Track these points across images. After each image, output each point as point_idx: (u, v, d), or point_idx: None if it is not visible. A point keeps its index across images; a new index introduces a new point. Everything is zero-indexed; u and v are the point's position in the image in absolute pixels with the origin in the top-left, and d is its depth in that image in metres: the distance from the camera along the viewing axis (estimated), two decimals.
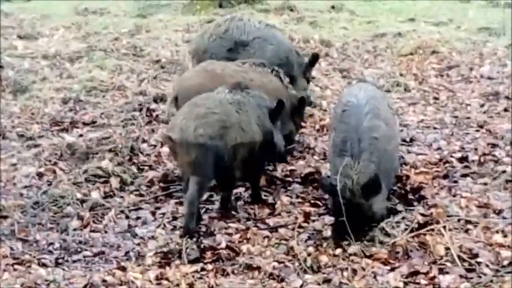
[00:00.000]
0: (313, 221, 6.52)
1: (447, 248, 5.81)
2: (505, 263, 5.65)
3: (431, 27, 13.27)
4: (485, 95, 9.74)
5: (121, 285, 5.54)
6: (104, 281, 5.58)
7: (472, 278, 5.53)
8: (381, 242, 5.96)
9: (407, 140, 8.19)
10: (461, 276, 5.55)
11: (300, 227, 6.39)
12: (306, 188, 7.16)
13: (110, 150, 7.71)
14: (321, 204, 6.78)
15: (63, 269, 5.80)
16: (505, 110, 9.17)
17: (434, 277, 5.54)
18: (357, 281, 5.51)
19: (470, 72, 10.71)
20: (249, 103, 6.69)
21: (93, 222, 6.57)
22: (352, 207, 5.91)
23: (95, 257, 6.04)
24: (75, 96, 9.48)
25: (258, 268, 5.72)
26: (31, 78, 10.09)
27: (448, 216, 6.30)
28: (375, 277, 5.57)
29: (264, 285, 5.50)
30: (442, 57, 11.29)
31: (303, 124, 8.33)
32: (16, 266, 5.77)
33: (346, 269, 5.65)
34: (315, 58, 8.65)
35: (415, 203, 6.68)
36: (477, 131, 8.50)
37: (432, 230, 6.01)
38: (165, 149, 7.90)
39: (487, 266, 5.64)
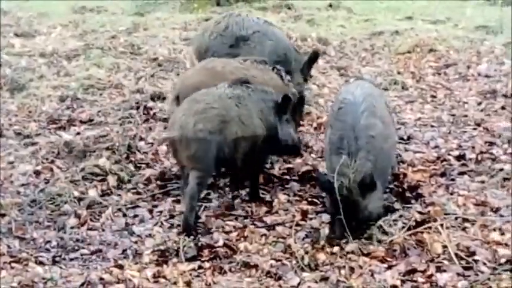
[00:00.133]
0: (311, 219, 6.53)
1: (444, 246, 5.82)
2: (502, 261, 5.66)
3: (429, 26, 13.26)
4: (482, 93, 9.73)
5: (118, 283, 5.54)
6: (101, 279, 5.58)
7: (469, 276, 5.54)
8: (379, 241, 5.96)
9: (405, 138, 8.19)
10: (458, 274, 5.56)
11: (297, 225, 6.40)
12: (303, 186, 7.16)
13: (107, 148, 7.71)
14: (318, 202, 6.79)
15: (61, 267, 5.81)
16: (503, 108, 9.17)
17: (431, 275, 5.54)
18: (354, 279, 5.52)
19: (467, 71, 10.71)
20: (250, 97, 6.71)
21: (91, 220, 6.57)
22: (349, 204, 5.91)
23: (92, 255, 6.05)
24: (72, 94, 9.47)
25: (256, 266, 5.73)
26: (28, 76, 10.08)
27: (446, 214, 6.31)
28: (372, 275, 5.58)
29: (261, 283, 5.50)
30: (440, 56, 11.29)
31: (300, 122, 8.32)
32: (13, 264, 5.78)
33: (344, 267, 5.66)
34: (315, 56, 8.63)
35: (413, 201, 6.68)
36: (474, 129, 8.51)
37: (429, 228, 6.03)
38: (163, 147, 7.92)
39: (484, 264, 5.65)
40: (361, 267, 5.67)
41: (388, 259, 5.79)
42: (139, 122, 8.60)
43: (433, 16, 14.19)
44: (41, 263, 5.84)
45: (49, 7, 14.86)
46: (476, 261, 5.68)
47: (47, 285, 5.53)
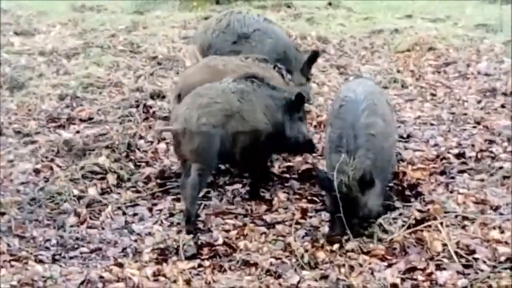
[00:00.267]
0: (310, 217, 6.54)
1: (444, 244, 5.83)
2: (502, 259, 5.67)
3: (429, 24, 13.25)
4: (482, 92, 9.73)
5: (118, 281, 5.54)
6: (101, 277, 5.58)
7: (469, 274, 5.54)
8: (379, 239, 5.96)
9: (405, 136, 8.18)
10: (458, 272, 5.56)
11: (297, 223, 6.40)
12: (303, 184, 7.16)
13: (106, 147, 7.71)
14: (318, 201, 6.79)
15: (60, 266, 5.81)
16: (502, 106, 9.17)
17: (431, 273, 5.55)
18: (354, 277, 5.52)
19: (467, 69, 10.70)
20: (255, 92, 6.73)
21: (90, 218, 6.57)
22: (348, 202, 5.91)
23: (92, 254, 6.05)
24: (71, 93, 9.45)
25: (255, 264, 5.73)
26: (28, 74, 10.07)
27: (445, 212, 6.32)
28: (372, 273, 5.58)
29: (261, 282, 5.50)
30: (439, 54, 11.28)
31: None
32: (13, 263, 5.78)
33: (344, 265, 5.66)
34: (314, 55, 8.64)
35: (412, 200, 6.68)
36: (474, 127, 8.50)
37: (429, 226, 6.03)
38: (162, 146, 7.92)
39: (484, 262, 5.65)
40: (361, 265, 5.67)
41: (388, 257, 5.79)
42: (139, 120, 8.59)
43: (433, 14, 14.19)
44: (41, 262, 5.84)
45: (48, 5, 14.85)
46: (476, 259, 5.69)
47: (47, 283, 5.53)
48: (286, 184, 7.18)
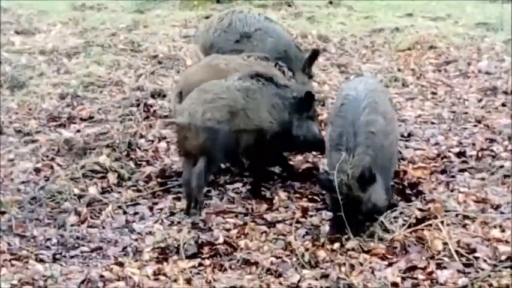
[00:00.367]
0: (311, 216, 6.53)
1: (445, 243, 5.82)
2: (503, 258, 5.66)
3: (429, 22, 13.25)
4: (483, 90, 9.73)
5: (118, 280, 5.54)
6: (102, 276, 5.58)
7: (469, 273, 5.53)
8: (380, 238, 5.95)
9: (405, 135, 8.18)
10: (459, 271, 5.56)
11: (297, 222, 6.40)
12: (303, 183, 7.15)
13: (107, 146, 7.71)
14: (318, 200, 6.79)
15: (61, 265, 5.80)
16: (503, 105, 9.17)
17: (432, 272, 5.54)
18: (355, 276, 5.51)
19: (468, 67, 10.70)
20: (261, 91, 6.76)
21: (91, 217, 6.57)
22: (350, 201, 5.91)
23: (93, 253, 6.04)
24: (72, 92, 9.46)
25: (256, 263, 5.72)
26: (28, 73, 10.07)
27: (446, 211, 6.31)
28: (372, 272, 5.57)
29: (262, 281, 5.49)
30: (440, 53, 11.28)
31: None
32: (14, 262, 5.77)
33: (344, 264, 5.65)
34: (314, 54, 8.64)
35: (413, 198, 6.68)
36: (475, 126, 8.50)
37: (430, 225, 6.02)
38: (163, 145, 7.92)
39: (485, 261, 5.64)
40: (361, 264, 5.66)
41: (389, 256, 5.79)
42: (140, 119, 8.59)
43: (434, 13, 14.19)
44: (41, 261, 5.84)
45: (49, 5, 14.84)
46: (476, 258, 5.68)
47: (47, 282, 5.52)
48: (286, 183, 7.18)
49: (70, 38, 12.03)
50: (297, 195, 6.94)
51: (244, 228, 6.31)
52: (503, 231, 6.05)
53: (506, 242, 5.88)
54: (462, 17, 13.87)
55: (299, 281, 5.49)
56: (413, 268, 5.60)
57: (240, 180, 7.22)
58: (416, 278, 5.50)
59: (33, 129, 8.41)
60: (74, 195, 6.84)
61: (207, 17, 12.68)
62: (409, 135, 8.22)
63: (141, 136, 8.11)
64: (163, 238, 6.08)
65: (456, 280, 5.44)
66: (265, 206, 6.75)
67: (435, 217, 6.12)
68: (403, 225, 6.04)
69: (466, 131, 8.35)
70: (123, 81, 9.87)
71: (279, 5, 14.53)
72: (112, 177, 7.19)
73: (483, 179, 7.14)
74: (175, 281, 5.50)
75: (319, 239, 6.02)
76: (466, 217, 6.27)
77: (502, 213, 6.42)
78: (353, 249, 5.84)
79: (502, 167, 7.29)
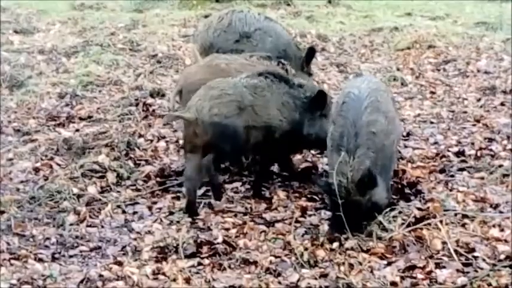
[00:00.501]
0: (310, 215, 6.53)
1: (444, 243, 5.82)
2: (502, 257, 5.66)
3: (428, 22, 13.26)
4: (482, 89, 9.73)
5: (117, 280, 5.53)
6: (101, 275, 5.57)
7: (468, 272, 5.53)
8: (378, 237, 5.95)
9: (404, 134, 8.18)
10: (458, 270, 5.56)
11: (296, 221, 6.39)
12: (302, 182, 7.14)
13: (106, 145, 7.71)
14: (317, 199, 6.79)
15: (60, 264, 5.79)
16: (502, 104, 9.18)
17: (431, 271, 5.54)
18: (354, 275, 5.51)
19: (467, 67, 10.71)
20: (270, 88, 6.78)
21: (90, 217, 6.56)
22: (349, 203, 5.91)
23: (92, 252, 6.03)
24: (71, 91, 9.45)
25: (255, 263, 5.72)
26: (27, 73, 10.07)
27: (445, 210, 6.31)
28: (371, 271, 5.57)
29: (261, 280, 5.49)
30: (439, 52, 11.29)
31: None
32: (13, 261, 5.76)
33: (343, 263, 5.65)
34: (311, 51, 8.63)
35: (412, 198, 6.68)
36: (474, 125, 8.51)
37: (429, 224, 6.02)
38: (162, 144, 7.92)
39: (484, 260, 5.65)
40: (360, 263, 5.66)
41: (388, 255, 5.79)
42: (139, 118, 8.60)
43: (432, 12, 14.20)
44: (40, 260, 5.83)
45: (48, 4, 14.85)
46: (475, 257, 5.68)
47: (47, 282, 5.51)
48: (286, 182, 7.18)
49: (69, 37, 12.04)
50: (296, 194, 6.94)
51: (243, 227, 6.31)
52: (502, 230, 6.05)
53: (505, 241, 5.88)
54: (461, 16, 13.88)
55: (298, 281, 5.49)
56: (413, 267, 5.60)
57: (239, 179, 7.21)
58: (415, 277, 5.50)
59: (32, 129, 8.41)
60: (73, 194, 6.83)
61: (206, 16, 12.66)
62: (408, 134, 8.23)
63: (140, 135, 8.12)
64: (163, 237, 6.08)
65: (455, 279, 5.44)
66: (264, 205, 6.75)
67: (434, 216, 6.12)
68: (402, 224, 6.04)
69: (465, 131, 8.36)
70: (122, 81, 9.87)
71: (278, 4, 14.54)
72: (111, 177, 7.19)
73: (482, 178, 7.14)
74: (174, 280, 5.50)
75: (318, 239, 6.02)
76: (465, 216, 6.27)
77: (501, 212, 6.42)
78: (352, 249, 5.84)
79: (501, 166, 7.30)
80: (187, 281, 5.50)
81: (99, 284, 5.49)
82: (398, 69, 10.66)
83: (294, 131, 6.81)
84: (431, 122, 8.66)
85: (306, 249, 5.83)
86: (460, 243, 5.84)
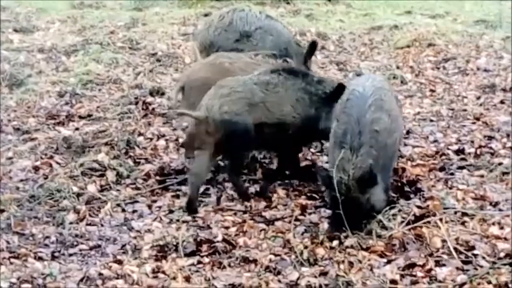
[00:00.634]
0: (310, 213, 6.54)
1: (444, 241, 5.82)
2: (502, 255, 5.66)
3: (428, 20, 13.23)
4: (481, 88, 9.72)
5: (117, 278, 5.54)
6: (100, 274, 5.58)
7: (468, 270, 5.54)
8: (378, 235, 5.95)
9: (404, 132, 8.17)
10: (457, 268, 5.56)
11: (296, 219, 6.40)
12: (303, 181, 7.14)
13: (106, 144, 7.71)
14: (317, 197, 6.79)
15: (60, 263, 5.80)
16: (502, 102, 9.17)
17: (430, 269, 5.55)
18: (354, 273, 5.51)
19: (466, 65, 10.69)
20: (283, 85, 6.80)
21: (90, 215, 6.56)
22: (349, 201, 5.91)
23: (91, 251, 6.04)
24: (71, 90, 9.45)
25: (255, 261, 5.73)
26: (27, 71, 10.06)
27: (445, 208, 6.31)
28: (371, 269, 5.58)
29: (261, 278, 5.49)
30: (439, 50, 11.27)
31: None
32: (12, 260, 5.77)
33: (343, 261, 5.66)
34: (313, 46, 8.60)
35: (412, 196, 6.68)
36: (473, 123, 8.50)
37: (429, 222, 6.02)
38: (161, 143, 7.92)
39: (484, 258, 5.65)
40: (360, 261, 5.67)
41: (387, 253, 5.79)
42: (138, 117, 8.60)
43: (432, 10, 14.18)
44: (40, 259, 5.83)
45: (47, 3, 14.81)
46: (475, 255, 5.68)
47: (46, 280, 5.52)
48: (285, 181, 7.17)
49: (68, 36, 12.02)
50: (296, 192, 6.94)
51: (243, 226, 6.31)
52: (502, 228, 6.05)
53: (505, 239, 5.88)
54: (461, 14, 13.85)
55: (298, 279, 5.49)
56: (412, 265, 5.61)
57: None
58: (415, 275, 5.51)
59: (31, 127, 8.41)
60: (73, 193, 6.83)
61: (206, 15, 12.70)
62: (408, 132, 8.22)
63: (140, 134, 8.12)
64: (162, 236, 6.09)
65: (455, 277, 5.44)
66: (263, 203, 6.75)
67: (434, 214, 6.12)
68: (402, 222, 6.04)
69: (464, 129, 8.35)
70: (122, 79, 9.86)
71: (277, 3, 14.50)
72: (111, 175, 7.19)
73: (482, 176, 7.14)
74: (174, 278, 5.51)
75: (318, 237, 6.02)
76: (464, 214, 6.27)
77: (500, 210, 6.42)
78: (352, 247, 5.84)
79: (500, 164, 7.30)
80: (187, 279, 5.50)
81: (99, 282, 5.50)
82: (398, 67, 10.64)
83: (309, 127, 6.81)
84: (431, 120, 8.65)
85: (305, 247, 5.84)
86: (460, 241, 5.84)
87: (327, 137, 6.88)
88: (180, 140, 7.95)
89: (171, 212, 6.66)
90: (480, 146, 7.78)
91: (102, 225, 6.45)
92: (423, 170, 7.18)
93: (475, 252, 5.72)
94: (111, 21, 12.94)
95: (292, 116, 6.78)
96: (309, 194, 6.88)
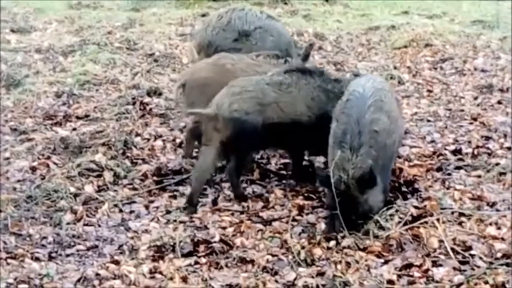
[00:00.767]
0: (307, 214, 6.54)
1: (441, 241, 5.83)
2: (499, 255, 5.67)
3: (425, 20, 13.24)
4: (478, 88, 9.73)
5: (114, 279, 5.53)
6: (98, 274, 5.57)
7: (465, 270, 5.54)
8: (375, 236, 5.96)
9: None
10: (454, 268, 5.56)
11: (293, 220, 6.40)
12: (301, 181, 7.14)
13: (103, 144, 7.71)
14: (314, 198, 6.79)
15: (57, 263, 5.79)
16: (499, 102, 9.18)
17: (427, 270, 5.55)
18: (351, 274, 5.51)
19: (463, 65, 10.70)
20: (297, 85, 6.83)
21: (87, 216, 6.56)
22: (347, 200, 5.91)
23: (89, 251, 6.03)
24: (68, 90, 9.45)
25: (252, 261, 5.73)
26: (24, 72, 10.06)
27: (442, 208, 6.31)
28: (368, 270, 5.58)
29: (258, 279, 5.49)
30: (436, 50, 11.28)
31: None
32: (9, 260, 5.76)
33: (340, 262, 5.66)
34: (310, 48, 8.57)
35: (409, 196, 6.68)
36: (471, 123, 8.51)
37: (426, 222, 6.03)
38: (159, 143, 7.92)
39: (481, 258, 5.65)
40: (357, 262, 5.67)
41: (385, 254, 5.79)
42: (136, 117, 8.60)
43: (429, 11, 14.18)
44: (37, 259, 5.83)
45: (45, 3, 14.81)
46: (472, 255, 5.69)
47: (43, 281, 5.51)
48: (282, 181, 7.18)
49: (66, 36, 12.02)
50: (293, 193, 6.94)
51: (240, 226, 6.31)
52: (499, 228, 6.06)
53: (502, 239, 5.89)
54: (458, 14, 13.86)
55: (295, 279, 5.49)
56: (409, 266, 5.61)
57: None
58: (412, 276, 5.51)
59: (29, 128, 8.40)
60: (70, 193, 6.83)
61: (203, 15, 12.71)
62: (405, 132, 8.19)
63: (137, 134, 8.12)
64: (159, 236, 6.08)
65: (452, 277, 5.44)
66: (261, 204, 6.75)
67: (431, 214, 6.13)
68: (399, 222, 6.04)
69: (462, 129, 8.36)
70: (119, 80, 9.87)
71: (275, 3, 14.50)
72: (108, 176, 7.19)
73: (479, 176, 7.15)
74: (171, 279, 5.50)
75: (315, 237, 6.02)
76: (461, 214, 6.27)
77: (497, 210, 6.43)
78: (349, 247, 5.85)
79: (497, 164, 7.30)
80: (184, 279, 5.50)
81: (96, 283, 5.49)
82: (395, 68, 10.65)
83: (325, 124, 6.79)
84: (428, 120, 8.66)
85: (303, 247, 5.83)
86: (457, 241, 5.84)
87: None
88: (178, 141, 7.95)
89: (168, 212, 6.65)
90: (477, 146, 7.79)
91: (99, 226, 6.45)
92: (420, 170, 7.19)
93: (472, 252, 5.72)
94: (108, 22, 12.94)
95: (308, 115, 6.79)
96: (306, 195, 6.88)
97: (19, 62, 10.46)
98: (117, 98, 9.20)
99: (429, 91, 9.78)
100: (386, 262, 5.69)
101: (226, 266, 5.72)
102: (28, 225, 6.34)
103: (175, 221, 6.45)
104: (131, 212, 6.70)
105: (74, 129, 8.35)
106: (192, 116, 7.35)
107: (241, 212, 6.63)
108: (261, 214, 6.58)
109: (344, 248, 5.85)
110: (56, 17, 13.57)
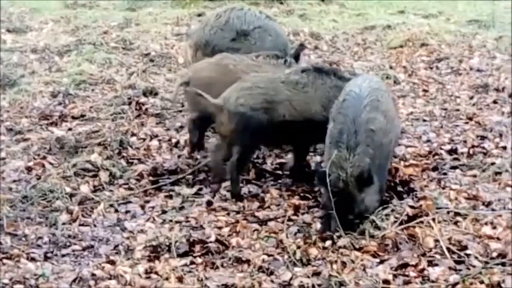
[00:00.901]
0: (303, 213, 6.54)
1: (436, 240, 5.83)
2: (494, 255, 5.67)
3: (421, 20, 13.24)
4: (474, 87, 9.73)
5: (110, 279, 5.53)
6: (93, 274, 5.57)
7: (461, 270, 5.55)
8: (371, 235, 5.96)
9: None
10: (450, 268, 5.57)
11: (289, 220, 6.40)
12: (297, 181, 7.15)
13: (99, 144, 7.71)
14: (310, 197, 6.79)
15: (52, 263, 5.80)
16: (494, 102, 9.18)
17: (423, 269, 5.55)
18: (346, 273, 5.51)
19: (459, 65, 10.70)
20: (313, 84, 6.86)
21: (82, 216, 6.55)
22: (345, 198, 5.92)
23: (84, 251, 6.04)
24: (64, 90, 9.44)
25: (248, 261, 5.73)
26: (20, 72, 10.05)
27: (437, 208, 6.31)
28: (364, 269, 5.58)
29: (254, 278, 5.50)
30: (432, 50, 11.28)
31: None
32: (5, 261, 5.76)
33: (336, 261, 5.66)
34: (301, 49, 8.55)
35: (405, 196, 6.68)
36: (466, 123, 8.51)
37: (421, 222, 6.03)
38: (154, 143, 7.91)
39: (476, 258, 5.66)
40: (353, 261, 5.67)
41: (380, 253, 5.80)
42: (131, 117, 8.59)
43: (425, 10, 14.18)
44: (33, 259, 5.83)
45: (41, 3, 14.79)
46: (468, 255, 5.69)
47: (39, 281, 5.51)
48: (278, 181, 7.19)
49: (62, 36, 12.00)
50: (289, 193, 6.94)
51: (236, 226, 6.31)
52: (494, 228, 6.06)
53: (498, 239, 5.89)
54: (454, 14, 13.86)
55: (291, 279, 5.49)
56: (405, 265, 5.61)
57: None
58: (407, 275, 5.51)
59: (24, 128, 8.40)
60: (66, 193, 6.83)
61: (199, 15, 12.70)
62: (401, 132, 8.21)
63: (133, 134, 8.11)
64: (155, 236, 6.08)
65: (447, 277, 5.45)
66: (256, 204, 6.75)
67: (427, 214, 6.13)
68: (395, 222, 6.05)
69: (457, 128, 8.37)
70: (115, 79, 9.85)
71: (270, 3, 14.49)
72: (104, 176, 7.19)
73: (474, 176, 7.15)
74: (166, 279, 5.50)
75: (310, 237, 6.03)
76: (457, 214, 6.28)
77: (493, 210, 6.43)
78: (345, 247, 5.85)
79: (493, 164, 7.31)
80: (180, 279, 5.50)
81: (92, 283, 5.49)
82: (391, 67, 10.65)
83: None
84: (424, 120, 8.66)
85: (298, 247, 5.84)
86: (453, 241, 5.85)
87: None
88: (173, 140, 7.95)
89: (164, 212, 6.66)
90: (473, 146, 7.80)
91: (95, 226, 6.45)
92: (416, 169, 7.19)
93: (468, 252, 5.73)
94: (104, 21, 12.93)
95: (322, 114, 6.78)
96: (302, 194, 6.88)
97: (15, 62, 10.46)
98: (113, 98, 9.19)
99: (425, 91, 9.78)
100: (382, 262, 5.70)
101: (222, 266, 5.72)
102: (24, 226, 6.34)
103: (171, 221, 6.45)
104: (127, 212, 6.70)
105: (70, 129, 8.35)
106: (194, 109, 7.36)
107: (237, 212, 6.63)
108: (256, 214, 6.58)
109: (340, 247, 5.85)
110: (52, 17, 13.55)
